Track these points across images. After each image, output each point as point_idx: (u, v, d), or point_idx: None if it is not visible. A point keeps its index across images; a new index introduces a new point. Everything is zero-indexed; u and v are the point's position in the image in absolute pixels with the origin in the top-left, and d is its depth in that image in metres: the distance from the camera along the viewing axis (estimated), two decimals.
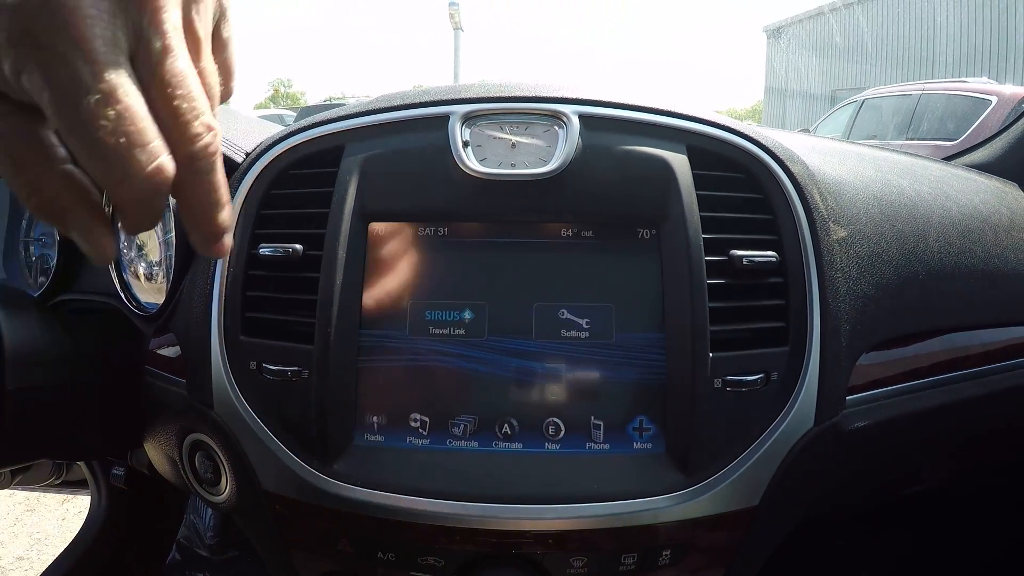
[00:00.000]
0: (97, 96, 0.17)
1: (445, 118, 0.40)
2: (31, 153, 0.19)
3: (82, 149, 0.18)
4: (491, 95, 0.42)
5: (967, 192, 0.57)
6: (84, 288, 0.56)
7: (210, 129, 0.19)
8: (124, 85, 0.18)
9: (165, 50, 0.18)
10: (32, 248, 0.63)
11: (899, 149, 0.70)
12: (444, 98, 0.42)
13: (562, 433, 0.38)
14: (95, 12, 0.17)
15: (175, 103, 0.19)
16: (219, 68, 0.22)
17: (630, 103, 0.42)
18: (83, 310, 0.55)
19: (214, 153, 0.20)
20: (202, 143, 0.19)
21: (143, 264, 0.50)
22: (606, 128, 0.41)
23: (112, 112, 0.17)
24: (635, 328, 0.39)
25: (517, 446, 0.38)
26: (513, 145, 0.40)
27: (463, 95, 0.42)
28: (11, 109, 0.19)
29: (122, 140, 0.17)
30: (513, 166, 0.39)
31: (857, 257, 0.43)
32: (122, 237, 0.51)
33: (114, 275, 0.50)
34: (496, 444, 0.38)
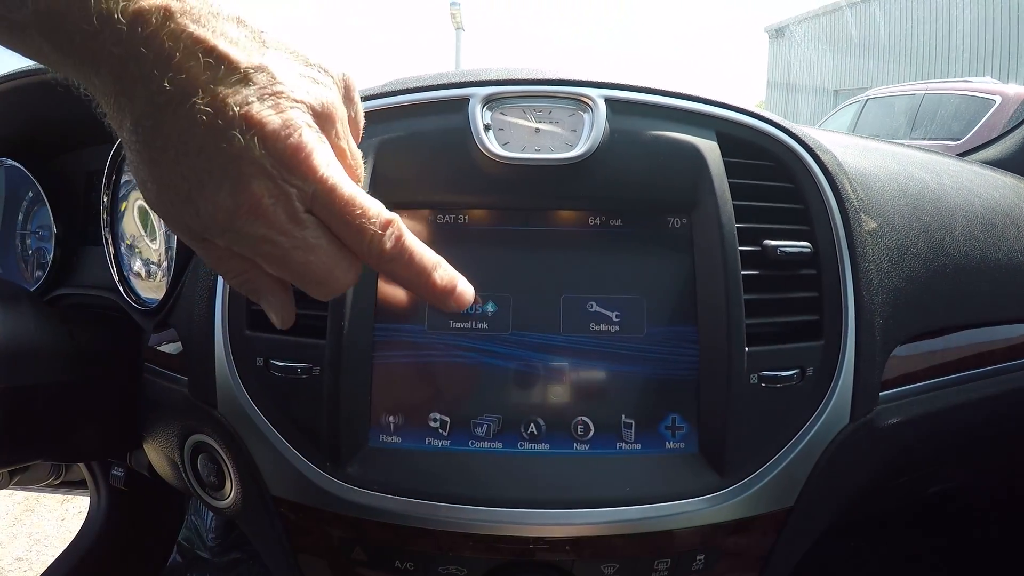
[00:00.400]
0: (295, 252, 0.22)
1: (465, 100, 0.38)
2: (241, 263, 0.24)
3: (294, 280, 0.24)
4: (514, 77, 0.40)
5: (987, 187, 0.56)
6: (82, 283, 0.54)
7: (388, 223, 0.24)
8: (310, 236, 0.22)
9: (328, 192, 0.22)
10: (29, 241, 0.60)
11: (912, 145, 0.70)
12: (464, 80, 0.40)
13: (591, 433, 0.36)
14: (272, 201, 0.21)
15: (353, 223, 0.23)
16: (356, 138, 0.26)
17: (658, 88, 0.40)
18: (81, 305, 0.53)
19: (400, 237, 0.24)
20: (385, 239, 0.23)
21: (142, 258, 0.48)
22: (633, 113, 0.39)
23: (311, 258, 0.23)
24: (666, 321, 0.37)
25: (544, 447, 0.36)
26: (536, 131, 0.38)
27: (484, 77, 0.40)
28: (227, 252, 0.24)
29: (320, 272, 0.23)
30: (537, 151, 0.37)
31: (887, 249, 0.42)
32: (121, 227, 0.49)
33: (113, 269, 0.48)
34: (521, 445, 0.36)
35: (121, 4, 0.20)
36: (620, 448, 0.36)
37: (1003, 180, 0.62)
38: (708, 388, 0.36)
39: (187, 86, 0.20)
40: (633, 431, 0.36)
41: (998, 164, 0.73)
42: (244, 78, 0.21)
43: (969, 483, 0.63)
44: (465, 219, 0.38)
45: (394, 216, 0.24)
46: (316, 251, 0.23)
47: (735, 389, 0.35)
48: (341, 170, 0.23)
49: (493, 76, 0.40)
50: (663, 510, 0.35)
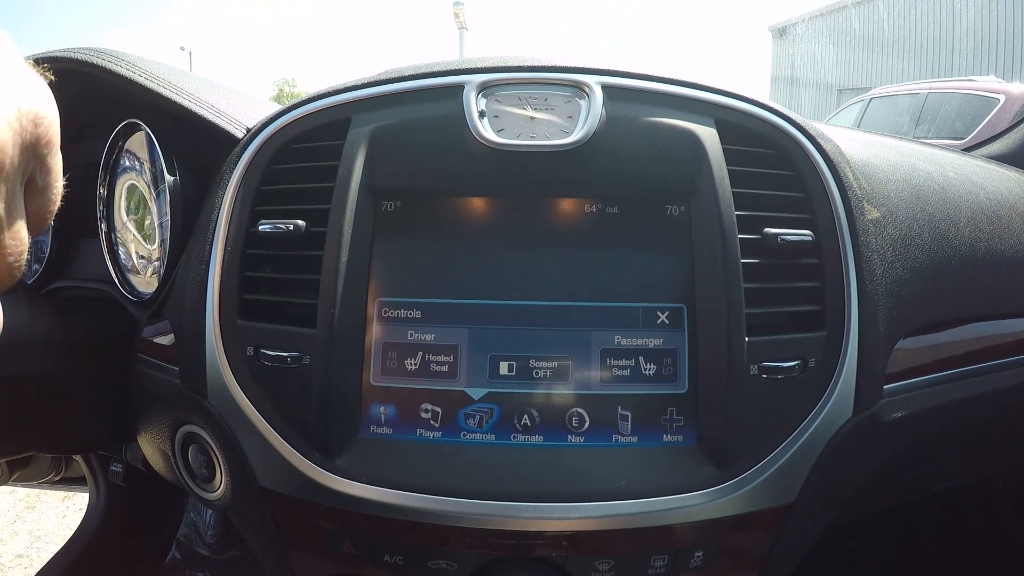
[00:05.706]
0: None
1: (459, 87, 0.38)
2: None
3: None
4: (509, 65, 0.39)
5: (991, 180, 0.55)
6: (78, 275, 0.54)
7: None
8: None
9: None
10: None
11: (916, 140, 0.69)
12: (458, 68, 0.39)
13: (586, 425, 0.35)
14: None
15: None
16: (35, 217, 0.23)
17: (656, 75, 0.40)
18: (78, 298, 0.53)
19: None
20: None
21: (136, 251, 0.48)
22: (630, 100, 0.38)
23: None
24: (664, 310, 0.36)
25: (538, 439, 0.35)
26: (532, 118, 0.38)
27: (478, 65, 0.39)
28: None
29: None
30: (533, 138, 0.37)
31: (891, 239, 0.41)
32: (116, 220, 0.49)
33: (109, 262, 0.48)
34: (515, 437, 0.35)
35: None
36: (616, 441, 0.35)
37: (1008, 174, 0.61)
38: (707, 379, 0.35)
39: None
40: (629, 423, 0.35)
41: (1001, 159, 0.72)
42: None
43: (976, 479, 0.62)
44: (460, 206, 0.37)
45: None
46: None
47: (735, 380, 0.34)
48: None
49: (488, 64, 0.40)
50: (660, 504, 0.34)
